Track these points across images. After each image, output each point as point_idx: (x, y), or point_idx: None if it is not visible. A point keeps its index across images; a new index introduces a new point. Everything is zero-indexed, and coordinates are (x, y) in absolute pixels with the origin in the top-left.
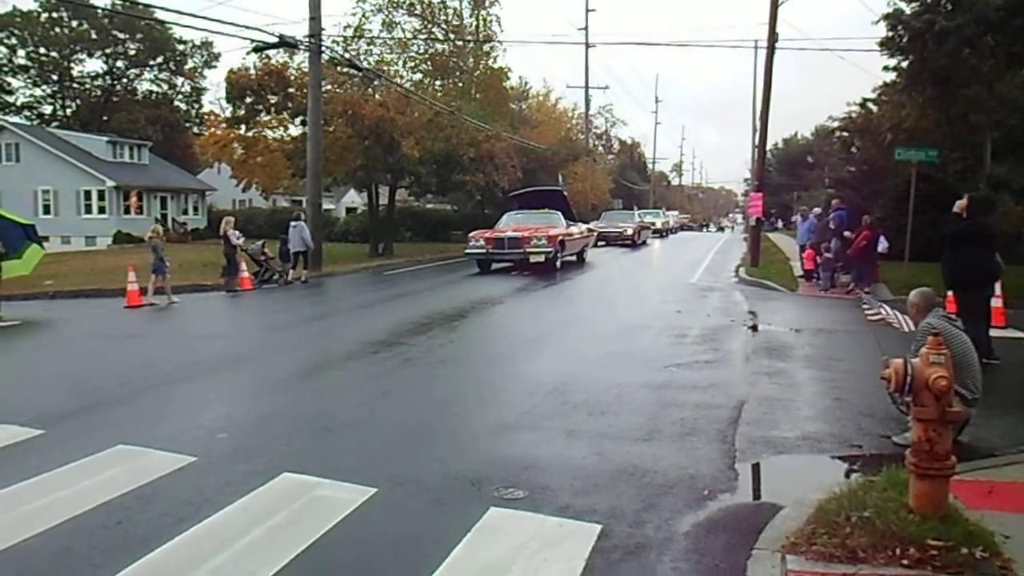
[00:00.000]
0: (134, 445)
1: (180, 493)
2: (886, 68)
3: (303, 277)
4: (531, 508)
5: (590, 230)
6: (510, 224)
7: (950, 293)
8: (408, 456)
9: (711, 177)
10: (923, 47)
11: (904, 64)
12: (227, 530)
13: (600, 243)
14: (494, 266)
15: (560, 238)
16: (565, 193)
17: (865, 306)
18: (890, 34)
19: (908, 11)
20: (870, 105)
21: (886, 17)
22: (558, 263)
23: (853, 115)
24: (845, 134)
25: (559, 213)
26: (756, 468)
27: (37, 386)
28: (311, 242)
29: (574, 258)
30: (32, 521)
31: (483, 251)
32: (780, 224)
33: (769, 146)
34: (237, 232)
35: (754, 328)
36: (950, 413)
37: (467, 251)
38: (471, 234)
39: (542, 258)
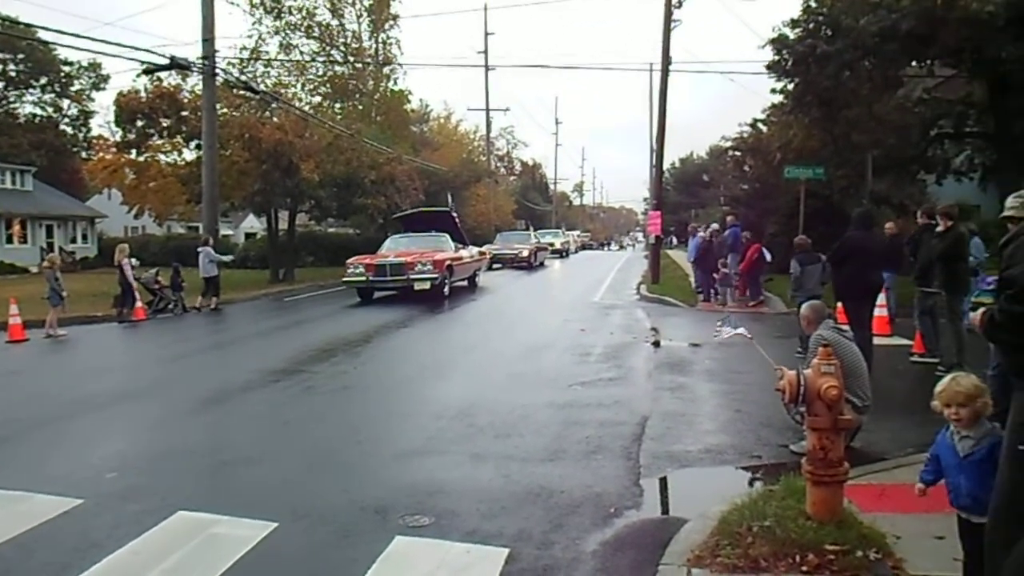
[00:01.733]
0: (14, 490)
1: (65, 539)
2: (774, 91)
3: (212, 304)
4: (438, 535)
5: (482, 253)
6: (393, 249)
7: (839, 304)
8: (311, 488)
9: (611, 197)
10: (807, 70)
11: (790, 87)
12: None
13: (496, 265)
14: (377, 294)
15: (448, 263)
16: (455, 214)
17: (718, 324)
18: (776, 58)
19: (792, 36)
20: (760, 125)
21: (772, 42)
22: (446, 290)
23: (745, 135)
24: (738, 153)
25: (447, 236)
26: (660, 483)
27: None
28: (217, 268)
29: (465, 283)
30: None
31: (363, 279)
32: (676, 241)
33: (666, 165)
34: (133, 260)
35: (656, 344)
36: (842, 421)
37: (345, 279)
38: (349, 260)
39: (427, 285)
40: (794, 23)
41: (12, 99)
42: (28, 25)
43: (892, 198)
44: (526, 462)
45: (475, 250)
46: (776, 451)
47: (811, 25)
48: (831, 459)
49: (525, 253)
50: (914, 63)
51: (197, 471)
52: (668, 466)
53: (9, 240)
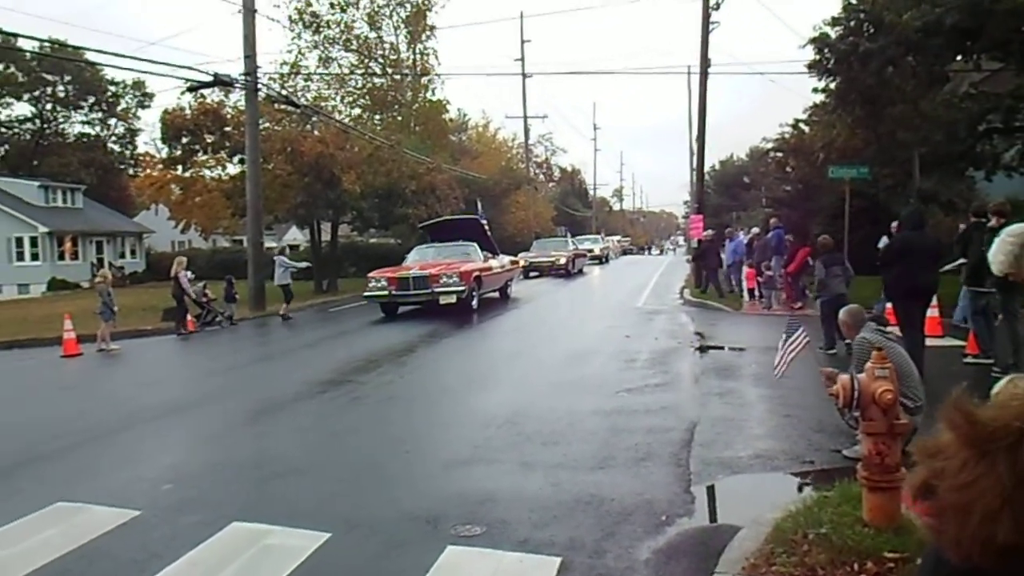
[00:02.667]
0: (73, 502)
1: (124, 550)
2: (815, 90)
3: (282, 311)
4: (489, 544)
5: (514, 262)
6: (419, 260)
7: (889, 305)
8: (361, 498)
9: (651, 201)
10: (849, 69)
11: (832, 86)
12: None
13: (533, 274)
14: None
15: (476, 274)
16: (485, 221)
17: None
18: (817, 57)
19: (833, 35)
20: (802, 126)
21: (813, 41)
22: (474, 302)
23: (786, 136)
24: (779, 154)
25: (475, 245)
26: (711, 490)
27: None
28: (291, 276)
29: (496, 294)
30: None
31: (385, 293)
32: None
33: (707, 168)
34: (189, 273)
35: (702, 349)
36: (898, 426)
37: (366, 294)
38: (371, 274)
39: (453, 299)
40: (835, 21)
41: (61, 119)
42: (76, 47)
43: (940, 196)
44: (575, 470)
45: (506, 259)
46: (829, 456)
47: (852, 23)
48: (888, 464)
49: (563, 260)
50: (960, 57)
51: (249, 482)
52: (719, 472)
53: (61, 257)
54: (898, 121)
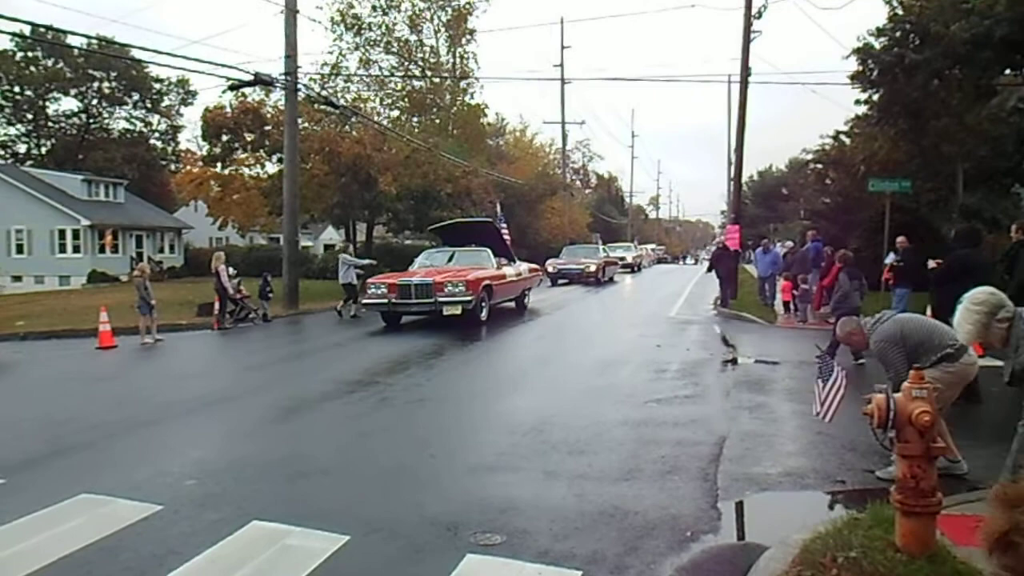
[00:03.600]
0: (99, 494)
1: (145, 544)
2: (858, 102)
3: (352, 311)
4: (509, 554)
5: (534, 270)
6: (426, 266)
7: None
8: (383, 501)
9: (688, 210)
10: (893, 80)
11: (876, 97)
12: None
13: (561, 281)
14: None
15: (485, 282)
16: (505, 225)
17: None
18: (861, 68)
19: (878, 45)
20: (843, 138)
21: (856, 51)
22: (483, 314)
23: (827, 147)
24: (819, 166)
25: (488, 251)
26: (739, 507)
27: (2, 431)
28: (355, 275)
29: (512, 304)
30: None
31: (384, 301)
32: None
33: (745, 178)
34: (230, 269)
35: (734, 361)
36: (935, 448)
37: (365, 301)
38: (370, 280)
39: (458, 310)
40: (880, 32)
41: (107, 115)
42: (123, 45)
43: (984, 212)
44: (600, 481)
45: (524, 267)
46: (861, 476)
47: (898, 33)
48: (923, 488)
49: (592, 268)
50: (1008, 71)
51: (273, 481)
52: (747, 489)
53: (102, 250)
54: (943, 135)
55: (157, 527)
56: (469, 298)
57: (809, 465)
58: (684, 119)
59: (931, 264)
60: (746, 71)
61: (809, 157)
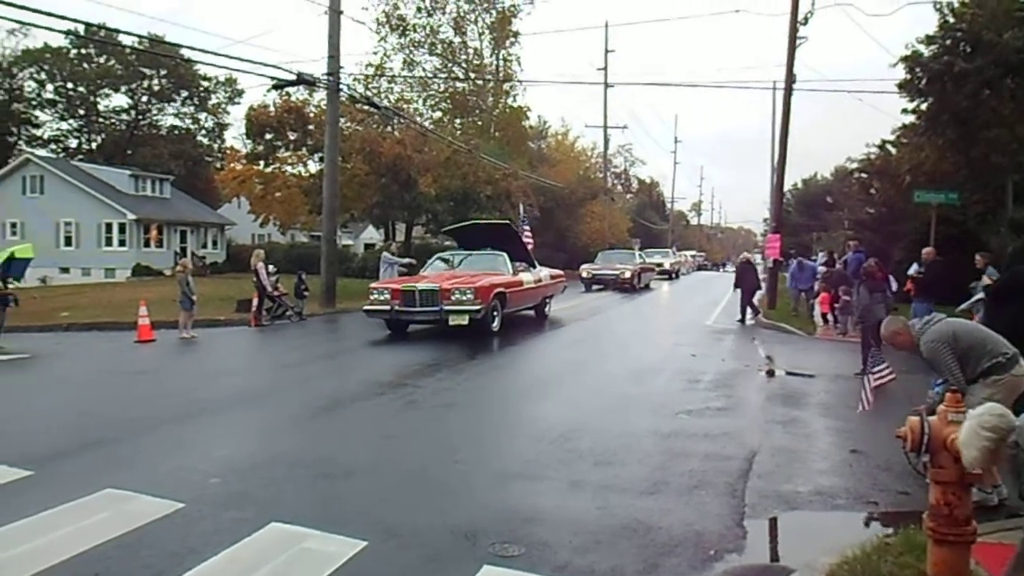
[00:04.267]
0: (123, 489)
1: (164, 542)
2: (905, 111)
3: None
4: (527, 567)
5: (556, 276)
6: (438, 270)
7: None
8: (404, 506)
9: (730, 217)
10: (942, 89)
11: (923, 106)
12: None
13: (596, 287)
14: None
15: (497, 290)
16: (527, 229)
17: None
18: (909, 76)
19: (927, 53)
20: (889, 147)
21: (904, 59)
22: (494, 324)
23: (872, 156)
24: (864, 175)
25: (504, 256)
26: (766, 526)
27: (33, 423)
28: (395, 273)
29: (532, 313)
30: (5, 572)
31: (387, 308)
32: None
33: (788, 186)
34: (270, 267)
35: (770, 373)
36: (970, 475)
37: (366, 307)
38: (372, 285)
39: (465, 319)
40: (929, 40)
41: (155, 111)
42: (173, 44)
43: None
44: (625, 493)
45: (545, 273)
46: (895, 498)
47: (948, 41)
48: (957, 516)
49: (627, 274)
50: None
51: (296, 482)
52: (775, 507)
53: (147, 244)
54: (992, 145)
55: (178, 525)
56: (478, 307)
57: (841, 484)
58: (727, 124)
59: (985, 281)
60: (791, 78)
61: (854, 166)
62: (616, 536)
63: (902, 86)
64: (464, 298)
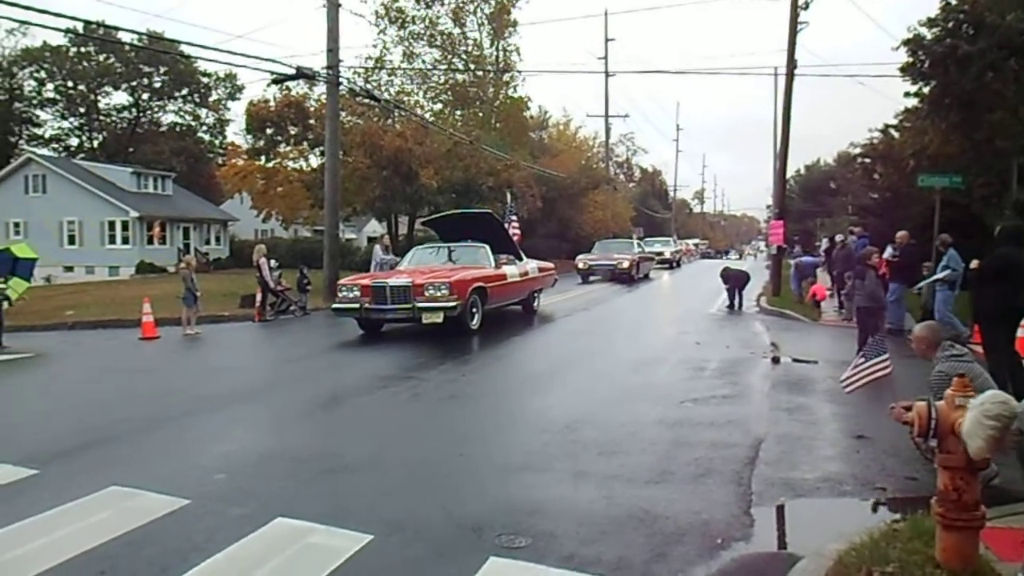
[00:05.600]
0: (128, 487)
1: (169, 539)
2: (908, 94)
3: None
4: (533, 558)
5: (544, 268)
6: (415, 264)
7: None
8: (409, 500)
9: (733, 204)
10: (945, 72)
11: (926, 90)
12: None
13: (593, 278)
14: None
15: (476, 284)
16: (514, 218)
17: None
18: (911, 60)
19: (929, 36)
20: (892, 131)
21: (907, 43)
22: (474, 321)
23: (875, 141)
24: (867, 160)
25: (485, 248)
26: (773, 513)
27: (38, 422)
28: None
29: (519, 307)
30: (11, 571)
31: (356, 306)
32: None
33: (791, 172)
34: (272, 262)
35: (775, 360)
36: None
37: (335, 306)
38: (341, 281)
39: (439, 317)
40: (931, 22)
41: (156, 108)
42: (172, 40)
43: None
44: (630, 483)
45: (532, 265)
46: (903, 483)
47: (950, 24)
48: (966, 501)
49: (625, 264)
50: None
51: (300, 477)
52: (782, 495)
53: (150, 241)
54: (996, 128)
55: (183, 521)
56: (453, 304)
57: (848, 471)
58: (730, 111)
59: (973, 264)
60: (792, 63)
61: (857, 151)
62: (622, 526)
63: (904, 69)
64: (439, 294)
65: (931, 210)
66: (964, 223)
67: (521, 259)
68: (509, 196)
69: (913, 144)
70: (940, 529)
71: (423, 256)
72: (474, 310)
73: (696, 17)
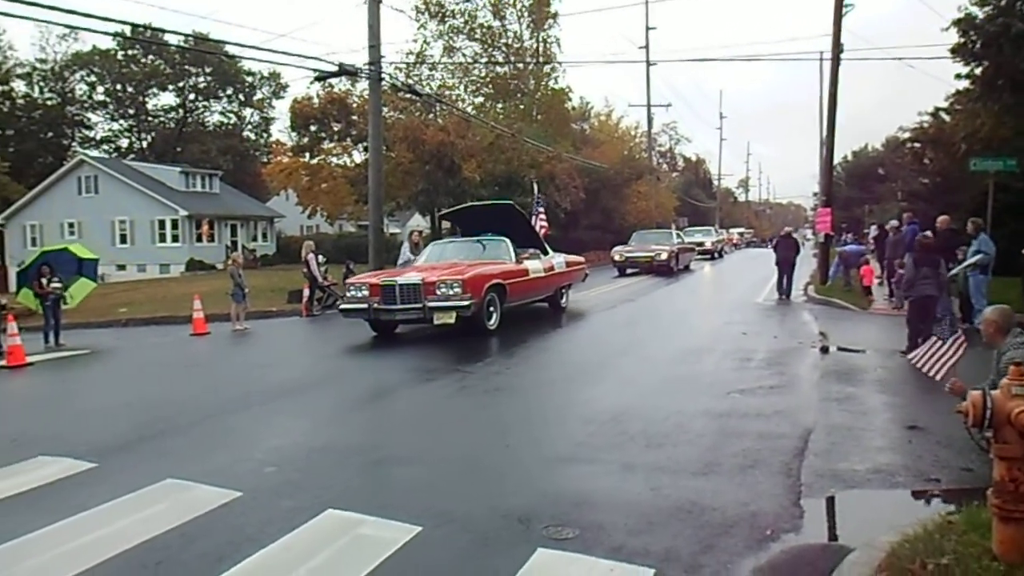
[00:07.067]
0: (183, 479)
1: (223, 531)
2: (959, 76)
3: None
4: (581, 549)
5: (573, 263)
6: (432, 260)
7: None
8: (456, 491)
9: (779, 192)
10: (998, 52)
11: (978, 71)
12: (266, 571)
13: (630, 271)
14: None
15: (493, 281)
16: (541, 210)
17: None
18: (962, 40)
19: (981, 15)
20: (942, 114)
21: (957, 23)
22: (491, 321)
23: (924, 125)
24: (916, 145)
25: (506, 242)
26: (823, 505)
27: (96, 417)
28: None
29: (545, 304)
30: (70, 562)
31: (364, 306)
32: (849, 239)
33: (838, 159)
34: (320, 257)
35: (824, 350)
36: None
37: (343, 307)
38: (350, 280)
39: (451, 317)
40: (983, 1)
41: (202, 108)
42: (217, 41)
43: None
44: (678, 474)
45: (559, 259)
46: (957, 475)
47: (1003, 2)
48: (1023, 492)
49: (664, 256)
50: None
51: (350, 469)
52: (832, 486)
53: (199, 239)
54: None
55: (236, 513)
56: (467, 303)
57: (900, 462)
58: (774, 98)
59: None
60: (838, 47)
61: (906, 135)
62: (670, 517)
63: (955, 50)
64: (451, 292)
65: (984, 195)
66: (1019, 207)
67: (547, 253)
68: (535, 187)
69: (965, 127)
70: (997, 521)
71: (440, 251)
72: (491, 309)
73: (739, 2)
